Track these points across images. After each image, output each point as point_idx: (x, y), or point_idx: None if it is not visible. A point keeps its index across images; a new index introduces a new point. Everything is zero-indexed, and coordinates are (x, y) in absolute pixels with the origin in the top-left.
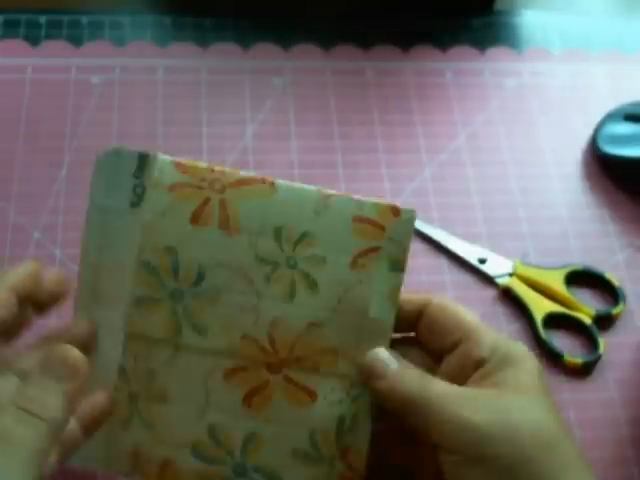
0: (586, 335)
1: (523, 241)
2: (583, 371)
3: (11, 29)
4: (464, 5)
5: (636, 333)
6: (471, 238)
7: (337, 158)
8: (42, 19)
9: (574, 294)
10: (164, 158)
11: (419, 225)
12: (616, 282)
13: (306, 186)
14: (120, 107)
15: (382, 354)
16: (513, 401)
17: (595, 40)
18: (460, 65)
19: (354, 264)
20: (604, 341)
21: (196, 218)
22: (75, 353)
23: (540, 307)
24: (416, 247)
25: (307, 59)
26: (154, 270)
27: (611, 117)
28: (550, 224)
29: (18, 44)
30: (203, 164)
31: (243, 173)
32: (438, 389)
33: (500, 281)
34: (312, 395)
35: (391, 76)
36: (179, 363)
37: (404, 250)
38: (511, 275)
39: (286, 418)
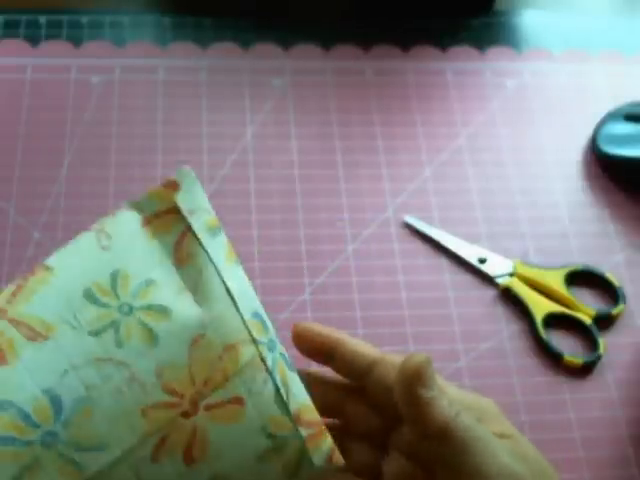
0: (586, 335)
1: (523, 241)
2: (583, 371)
3: (11, 29)
4: (464, 5)
5: (636, 333)
6: (471, 238)
7: (337, 158)
8: (42, 19)
9: (574, 294)
10: None
11: (419, 225)
12: (616, 282)
13: (77, 238)
14: (120, 107)
15: (429, 365)
16: (526, 450)
17: (595, 40)
18: (460, 65)
19: (179, 261)
20: (604, 341)
21: (2, 357)
22: None
23: (540, 307)
24: (416, 247)
25: (307, 59)
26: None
27: (611, 117)
28: (550, 224)
29: (18, 44)
30: None
31: (11, 285)
32: (481, 429)
33: (500, 281)
34: (239, 400)
35: (391, 76)
36: None
37: (208, 210)
38: (511, 275)
39: (231, 441)
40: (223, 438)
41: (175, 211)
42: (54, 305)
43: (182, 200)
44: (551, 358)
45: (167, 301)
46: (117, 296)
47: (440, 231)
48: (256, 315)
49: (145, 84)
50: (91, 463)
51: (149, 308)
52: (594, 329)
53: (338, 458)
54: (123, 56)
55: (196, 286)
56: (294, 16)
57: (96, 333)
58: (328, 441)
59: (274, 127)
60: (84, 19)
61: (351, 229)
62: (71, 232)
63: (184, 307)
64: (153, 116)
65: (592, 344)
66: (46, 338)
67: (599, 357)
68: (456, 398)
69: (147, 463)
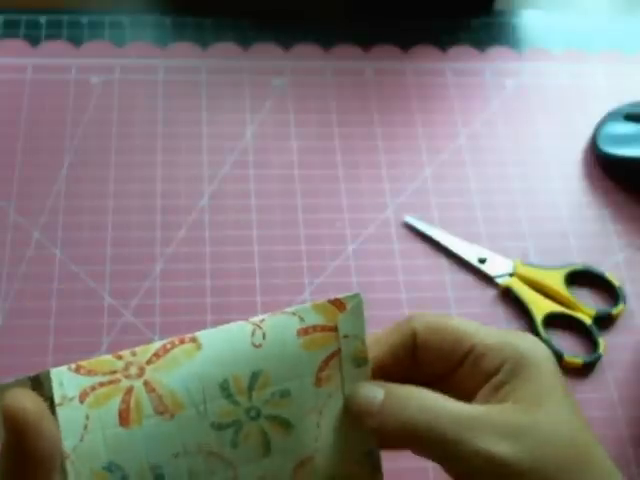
0: (586, 335)
1: (523, 241)
2: (583, 371)
3: (11, 29)
4: (464, 5)
5: (636, 333)
6: (471, 238)
7: (337, 158)
8: (42, 19)
9: (574, 294)
10: (59, 370)
11: (419, 225)
12: (616, 282)
13: (233, 324)
14: (120, 107)
15: (362, 390)
16: (536, 419)
17: (595, 40)
18: (460, 65)
19: (319, 381)
20: (604, 341)
21: (125, 417)
22: None
23: (540, 307)
24: (416, 247)
25: (307, 59)
26: None
27: (611, 117)
28: (550, 224)
29: (18, 44)
30: (106, 356)
31: (156, 343)
32: (443, 414)
33: (500, 281)
34: None
35: (391, 76)
36: None
37: (362, 340)
38: (511, 275)
39: None
40: None
41: (333, 330)
42: (191, 385)
43: (343, 322)
44: None
45: (293, 417)
46: (250, 397)
47: (440, 231)
48: None
49: (145, 84)
50: None
51: (274, 419)
52: (594, 329)
53: None
54: (123, 56)
55: (322, 409)
56: (294, 16)
57: (218, 427)
58: None
59: (274, 127)
60: (84, 19)
61: (351, 229)
62: (71, 232)
63: (307, 427)
64: (153, 116)
65: (592, 344)
66: (172, 416)
67: (599, 357)
68: (498, 350)
69: None
